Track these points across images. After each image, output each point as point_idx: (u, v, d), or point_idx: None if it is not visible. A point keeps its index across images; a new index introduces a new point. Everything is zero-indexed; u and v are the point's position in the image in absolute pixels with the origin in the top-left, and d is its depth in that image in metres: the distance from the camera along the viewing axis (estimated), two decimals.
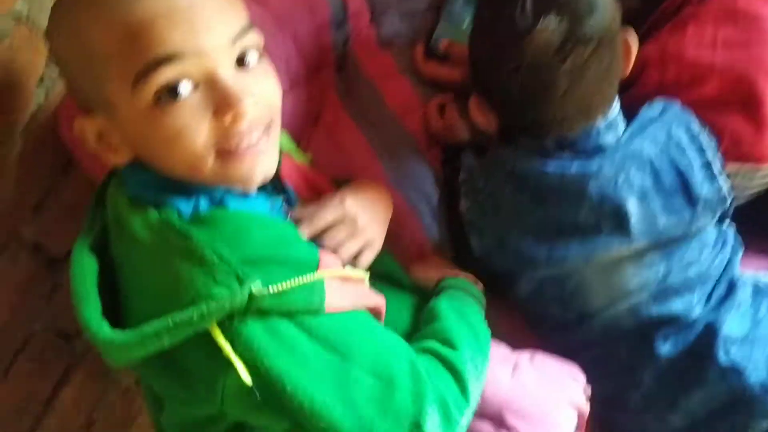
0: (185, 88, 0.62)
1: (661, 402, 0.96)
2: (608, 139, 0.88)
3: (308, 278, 0.64)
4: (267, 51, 1.06)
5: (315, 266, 0.67)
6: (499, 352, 0.93)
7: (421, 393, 0.66)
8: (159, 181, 0.68)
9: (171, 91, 0.62)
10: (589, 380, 0.95)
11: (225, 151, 0.66)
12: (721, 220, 0.98)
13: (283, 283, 0.61)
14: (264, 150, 0.68)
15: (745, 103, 0.92)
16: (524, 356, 0.93)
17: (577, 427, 0.91)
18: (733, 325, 0.92)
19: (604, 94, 0.86)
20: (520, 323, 1.04)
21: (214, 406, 0.65)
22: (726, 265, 0.95)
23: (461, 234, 0.98)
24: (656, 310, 0.92)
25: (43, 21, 0.69)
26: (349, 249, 0.78)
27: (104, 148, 0.69)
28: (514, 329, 0.99)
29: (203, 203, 0.68)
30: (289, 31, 1.12)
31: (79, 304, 0.64)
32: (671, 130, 0.89)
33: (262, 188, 0.75)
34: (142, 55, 0.61)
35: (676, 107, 0.92)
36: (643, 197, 0.87)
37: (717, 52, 0.92)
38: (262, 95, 0.67)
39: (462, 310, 0.82)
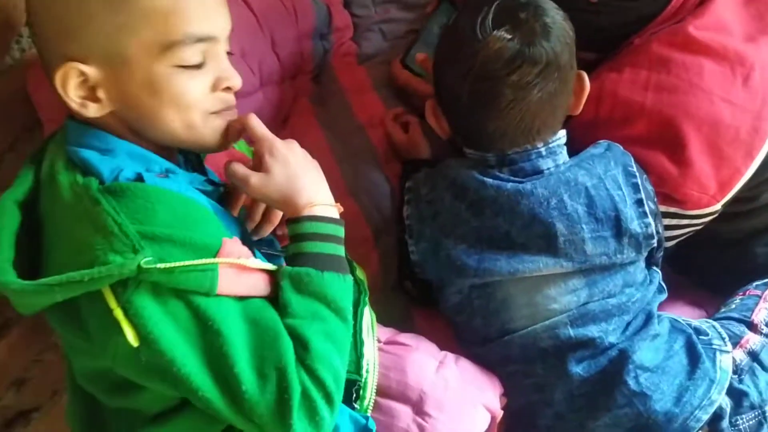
0: (203, 61, 0.75)
1: (570, 422, 0.98)
2: (546, 164, 0.92)
3: (200, 262, 0.67)
4: (244, 48, 1.15)
5: (214, 252, 0.69)
6: (430, 347, 0.98)
7: (289, 389, 0.68)
8: (100, 142, 0.74)
9: (194, 62, 0.74)
10: (505, 393, 0.99)
11: (211, 112, 0.77)
12: (650, 264, 1.02)
13: (174, 263, 0.65)
14: (234, 114, 0.81)
15: (670, 145, 0.96)
16: (451, 356, 0.97)
17: (488, 429, 0.95)
18: (646, 354, 0.94)
19: (545, 120, 0.91)
20: (446, 335, 1.09)
21: (108, 362, 0.69)
22: (646, 304, 0.98)
23: (404, 241, 1.04)
24: (573, 332, 0.94)
25: None
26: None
27: (83, 96, 0.73)
28: (440, 341, 1.04)
29: (126, 173, 0.72)
30: (268, 33, 1.19)
31: None
32: (609, 166, 0.93)
33: (187, 165, 0.83)
34: (181, 27, 0.72)
35: (618, 149, 0.96)
36: (573, 222, 0.91)
37: (648, 95, 0.98)
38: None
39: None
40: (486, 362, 1.00)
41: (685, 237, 1.06)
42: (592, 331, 0.94)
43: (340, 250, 0.79)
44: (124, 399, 0.75)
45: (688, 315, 1.10)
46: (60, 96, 0.73)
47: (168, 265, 0.65)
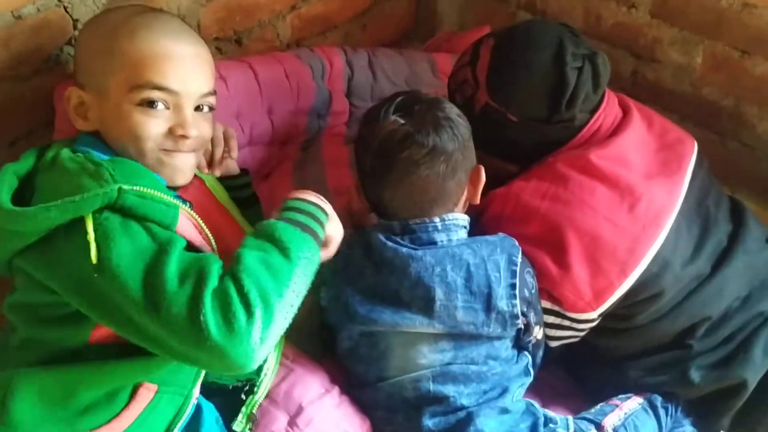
0: (160, 106, 0.95)
1: None
2: (440, 237, 1.07)
3: (166, 198, 0.88)
4: (240, 109, 1.38)
5: (175, 220, 0.88)
6: (324, 376, 1.12)
7: (204, 282, 0.79)
8: (102, 148, 0.96)
9: (151, 103, 0.94)
10: None
11: (167, 150, 0.97)
12: (521, 348, 1.14)
13: (147, 189, 0.86)
14: (188, 160, 1.00)
15: (555, 248, 1.09)
16: (337, 390, 1.12)
17: None
18: (489, 422, 1.04)
19: (435, 198, 1.06)
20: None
21: (65, 286, 0.85)
22: (506, 380, 1.09)
23: None
24: (433, 387, 1.05)
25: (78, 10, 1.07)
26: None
27: (79, 113, 0.97)
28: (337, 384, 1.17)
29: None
30: (266, 102, 1.42)
31: None
32: (495, 252, 1.06)
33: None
34: (145, 75, 0.93)
35: (510, 241, 1.10)
36: (450, 290, 1.03)
37: (544, 203, 1.12)
38: (201, 133, 0.99)
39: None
40: (360, 404, 1.12)
41: (568, 341, 1.17)
42: (449, 390, 1.06)
43: (313, 224, 0.92)
44: (41, 330, 0.92)
45: (561, 411, 1.19)
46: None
47: (142, 189, 0.85)
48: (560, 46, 1.12)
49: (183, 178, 1.00)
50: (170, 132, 0.96)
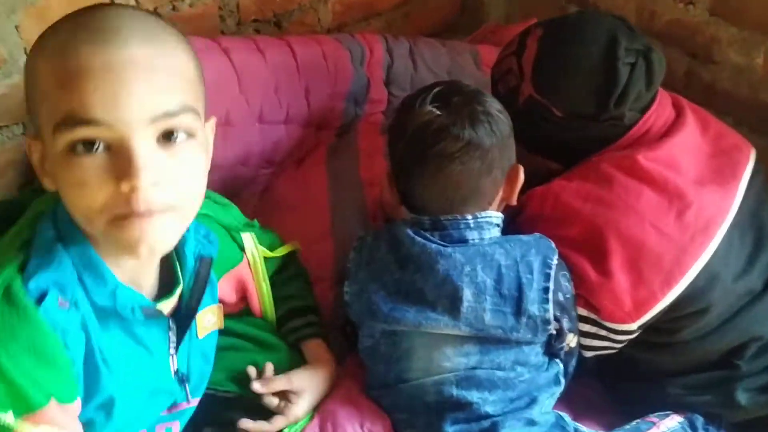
0: (97, 146, 0.65)
1: None
2: (472, 235, 1.01)
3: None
4: (279, 84, 1.34)
5: (31, 406, 0.69)
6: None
7: None
8: (68, 228, 0.73)
9: (86, 144, 0.65)
10: None
11: (118, 216, 0.67)
12: (552, 355, 1.08)
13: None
14: (157, 226, 0.68)
15: (595, 253, 1.03)
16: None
17: None
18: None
19: (468, 194, 1.00)
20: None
21: None
22: (534, 388, 1.03)
23: None
24: (456, 392, 1.00)
25: None
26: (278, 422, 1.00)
27: (42, 171, 0.72)
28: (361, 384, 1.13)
29: (34, 286, 0.70)
30: (304, 81, 1.38)
31: None
32: (529, 253, 1.01)
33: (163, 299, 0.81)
34: (65, 107, 0.64)
35: (546, 243, 1.04)
36: (479, 291, 0.98)
37: (587, 205, 1.06)
38: (172, 178, 0.68)
39: None
40: (384, 406, 1.07)
41: (604, 352, 1.11)
42: (473, 395, 1.00)
43: None
44: None
45: (593, 425, 1.12)
46: None
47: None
48: (613, 40, 1.05)
49: (158, 246, 0.70)
50: (117, 184, 0.65)
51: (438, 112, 0.99)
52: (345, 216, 1.32)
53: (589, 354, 1.11)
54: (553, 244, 1.05)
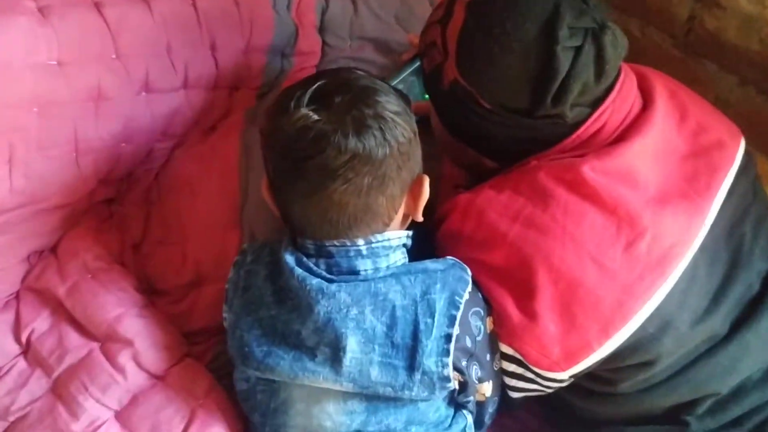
0: None
1: None
2: (365, 265, 0.82)
3: None
4: (171, 42, 1.10)
5: None
6: None
7: None
8: None
9: None
10: None
11: None
12: (458, 406, 0.90)
13: None
14: None
15: (520, 288, 0.83)
16: None
17: None
18: None
19: (358, 217, 0.79)
20: None
21: None
22: None
23: None
24: None
25: None
26: None
27: None
28: None
29: None
30: (208, 35, 1.14)
31: None
32: (433, 289, 0.81)
33: None
34: None
35: (459, 273, 0.84)
36: (367, 340, 0.80)
37: (515, 227, 0.84)
38: None
39: None
40: None
41: (533, 394, 0.92)
42: None
43: None
44: None
45: None
46: None
47: None
48: (554, 14, 0.80)
49: None
50: None
51: (316, 117, 0.77)
52: (260, 201, 1.11)
53: (516, 395, 0.93)
54: (469, 273, 0.85)
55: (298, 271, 0.81)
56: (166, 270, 1.08)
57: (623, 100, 0.87)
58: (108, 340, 0.95)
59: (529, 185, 0.86)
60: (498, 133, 0.88)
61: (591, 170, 0.84)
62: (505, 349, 0.88)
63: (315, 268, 0.82)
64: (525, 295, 0.83)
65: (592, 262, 0.82)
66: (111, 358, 0.94)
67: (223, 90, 1.21)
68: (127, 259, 1.08)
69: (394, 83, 1.16)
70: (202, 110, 1.19)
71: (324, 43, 1.28)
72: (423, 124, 0.90)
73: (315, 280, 0.80)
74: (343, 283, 0.80)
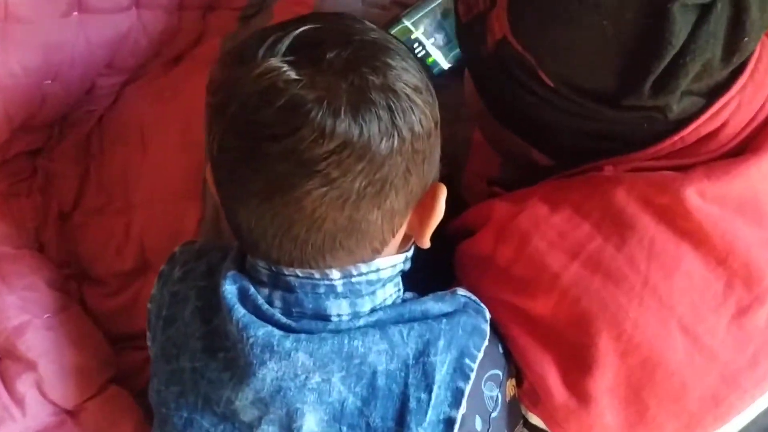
0: None
1: None
2: (339, 308, 0.56)
3: None
4: None
5: None
6: None
7: None
8: None
9: None
10: None
11: None
12: None
13: None
14: None
15: (571, 355, 0.58)
16: None
17: None
18: None
19: (333, 237, 0.53)
20: None
21: None
22: None
23: None
24: None
25: None
26: None
27: None
28: None
29: None
30: None
31: None
32: (434, 348, 0.56)
33: None
34: None
35: (474, 320, 0.59)
36: (332, 418, 0.55)
37: (573, 266, 0.58)
38: None
39: None
40: None
41: None
42: None
43: None
44: None
45: None
46: None
47: None
48: None
49: None
50: None
51: (293, 74, 0.49)
52: None
53: None
54: (487, 318, 0.60)
55: (239, 313, 0.55)
56: (104, 249, 0.84)
57: (757, 88, 0.58)
58: (6, 357, 0.71)
59: (601, 205, 0.59)
60: (561, 123, 0.59)
61: (699, 196, 0.56)
62: (534, 420, 0.63)
63: (266, 306, 0.56)
64: (577, 368, 0.58)
65: (683, 333, 0.56)
66: (7, 384, 0.70)
67: (192, 11, 0.92)
68: (50, 233, 0.84)
69: (410, 22, 0.87)
70: (161, 36, 0.90)
71: None
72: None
73: (262, 331, 0.54)
74: (303, 336, 0.54)
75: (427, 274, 0.63)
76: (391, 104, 0.50)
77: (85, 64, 0.83)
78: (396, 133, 0.50)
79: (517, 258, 0.61)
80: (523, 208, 0.61)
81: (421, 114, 0.52)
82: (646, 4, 0.50)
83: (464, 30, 0.64)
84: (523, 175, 0.67)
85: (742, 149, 0.58)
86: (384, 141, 0.50)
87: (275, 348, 0.54)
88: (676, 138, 0.57)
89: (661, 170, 0.58)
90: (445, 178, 0.59)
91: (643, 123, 0.57)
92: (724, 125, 0.57)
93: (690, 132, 0.57)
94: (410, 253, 0.60)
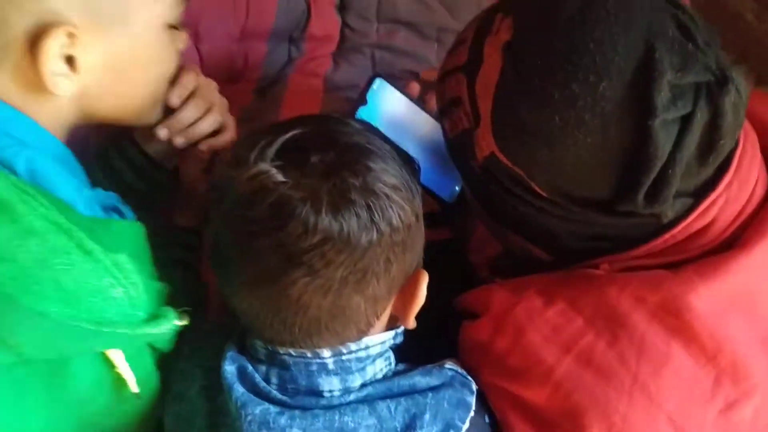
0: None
1: None
2: (330, 385, 0.59)
3: None
4: None
5: None
6: None
7: None
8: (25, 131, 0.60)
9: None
10: None
11: None
12: None
13: None
14: None
15: None
16: None
17: None
18: None
19: (319, 321, 0.56)
20: None
21: None
22: None
23: None
24: None
25: None
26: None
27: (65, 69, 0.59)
28: None
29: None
30: (191, 22, 0.89)
31: None
32: (420, 421, 0.58)
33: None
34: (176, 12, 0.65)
35: (459, 391, 0.61)
36: None
37: (566, 360, 0.60)
38: None
39: None
40: None
41: None
42: None
43: None
44: None
45: None
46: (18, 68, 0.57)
47: None
48: (646, 66, 0.52)
49: None
50: None
51: (280, 177, 0.54)
52: None
53: None
54: (473, 389, 0.62)
55: (238, 391, 0.59)
56: None
57: (742, 182, 0.59)
58: None
59: (594, 302, 0.60)
60: (557, 228, 0.61)
61: (689, 295, 0.57)
62: None
63: (263, 384, 0.60)
64: None
65: (671, 428, 0.57)
66: None
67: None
68: None
69: None
70: None
71: (344, 25, 1.01)
72: None
73: (259, 409, 0.58)
74: (297, 413, 0.58)
75: (421, 345, 0.65)
76: (370, 203, 0.54)
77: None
78: (375, 228, 0.54)
79: (513, 349, 0.62)
80: (520, 300, 0.63)
81: (399, 210, 0.55)
82: (628, 122, 0.52)
83: (452, 144, 0.66)
84: (522, 264, 0.69)
85: (732, 242, 0.59)
86: (364, 235, 0.54)
87: (271, 425, 0.57)
88: (667, 236, 0.58)
89: (654, 267, 0.59)
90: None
91: (636, 228, 0.59)
92: (713, 221, 0.58)
93: (679, 230, 0.58)
94: (401, 329, 0.63)
